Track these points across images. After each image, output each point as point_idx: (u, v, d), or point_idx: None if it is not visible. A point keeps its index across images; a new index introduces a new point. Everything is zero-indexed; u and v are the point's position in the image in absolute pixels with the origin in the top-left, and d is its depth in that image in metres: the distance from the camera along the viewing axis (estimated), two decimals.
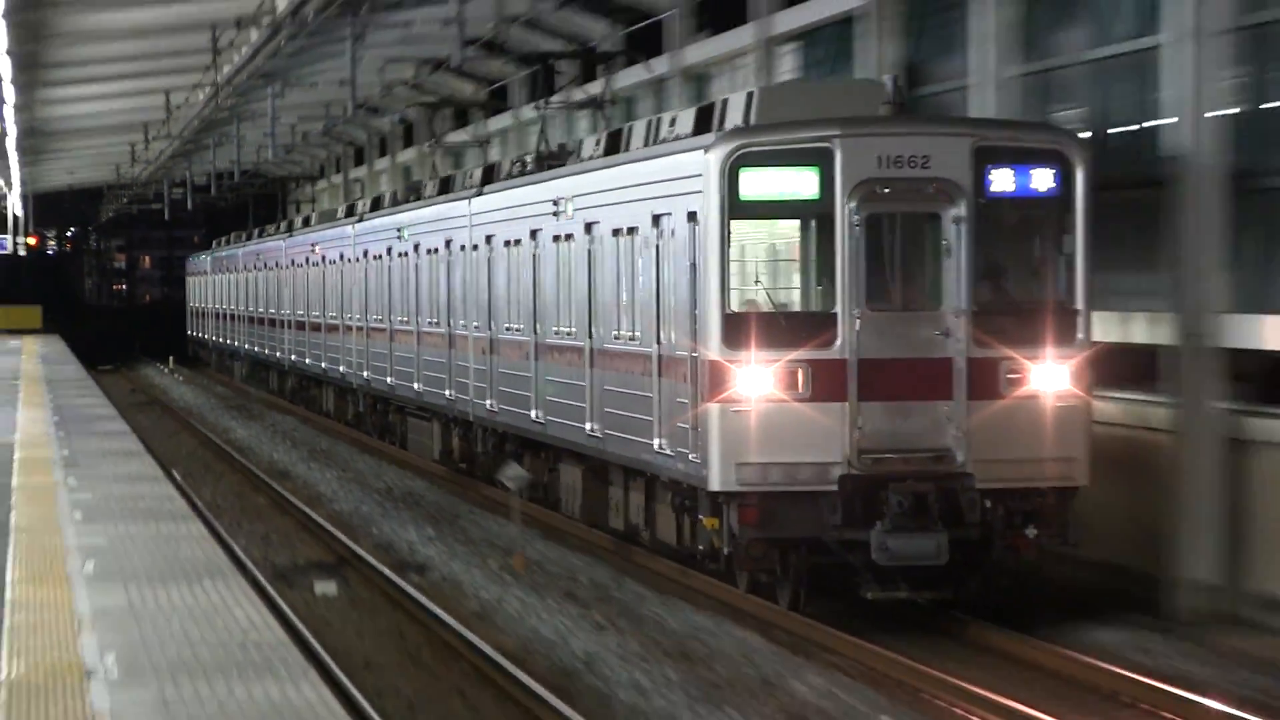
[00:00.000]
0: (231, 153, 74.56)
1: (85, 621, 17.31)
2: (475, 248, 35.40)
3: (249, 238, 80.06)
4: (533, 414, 30.50)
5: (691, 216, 23.11)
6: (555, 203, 29.46)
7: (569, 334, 29.55)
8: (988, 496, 21.49)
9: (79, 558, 21.73)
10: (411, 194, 47.06)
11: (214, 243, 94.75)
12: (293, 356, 63.57)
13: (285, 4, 43.45)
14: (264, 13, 45.84)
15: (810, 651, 20.65)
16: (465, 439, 38.44)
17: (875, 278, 21.84)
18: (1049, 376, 21.68)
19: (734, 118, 24.04)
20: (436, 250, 39.46)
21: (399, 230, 44.06)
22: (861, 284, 21.58)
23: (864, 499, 21.50)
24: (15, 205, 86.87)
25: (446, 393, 38.37)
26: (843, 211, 21.71)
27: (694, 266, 23.02)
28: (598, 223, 28.06)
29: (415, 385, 41.60)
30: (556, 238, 29.44)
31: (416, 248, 41.67)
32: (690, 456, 22.90)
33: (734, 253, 22.41)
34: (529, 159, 35.17)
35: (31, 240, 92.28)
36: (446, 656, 21.21)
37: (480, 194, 36.17)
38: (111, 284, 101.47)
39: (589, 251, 28.06)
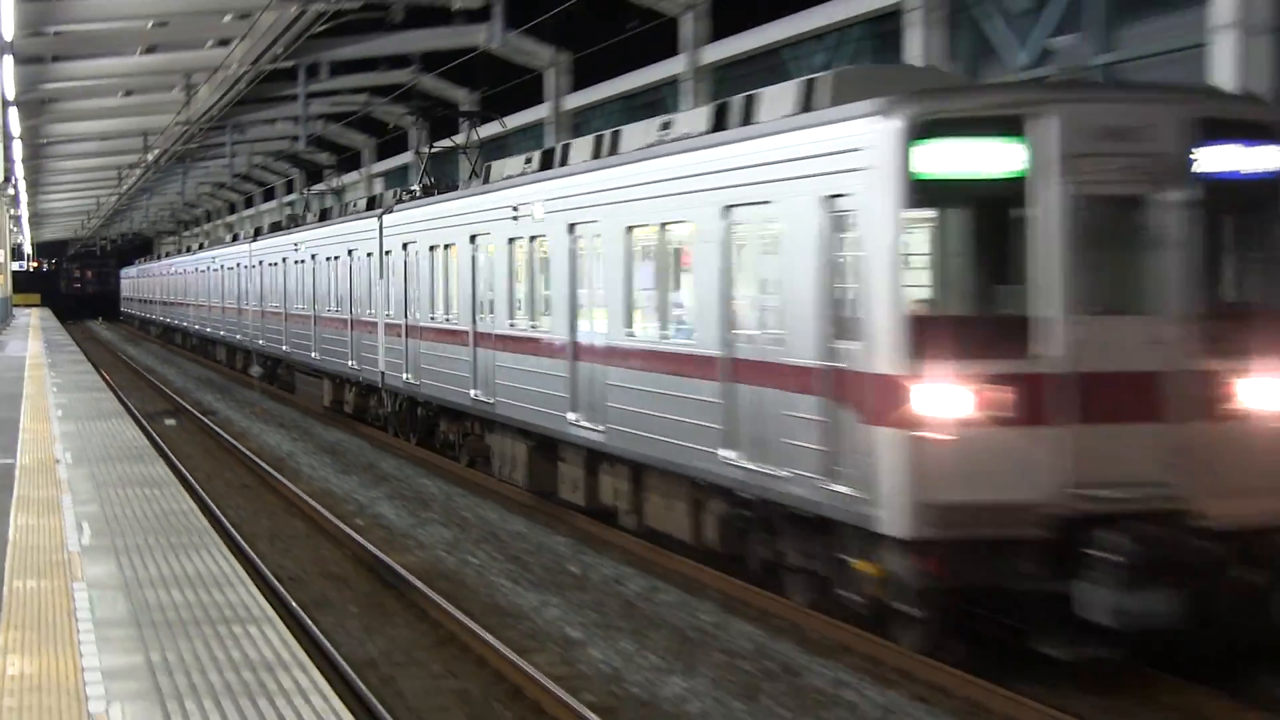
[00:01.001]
0: (137, 218, 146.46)
1: (56, 437, 31.37)
2: (389, 253, 39.32)
3: (158, 257, 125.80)
4: (472, 393, 33.31)
5: (832, 200, 18.49)
6: (515, 208, 30.46)
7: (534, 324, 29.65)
8: (1221, 538, 17.23)
9: (55, 408, 38.16)
10: (290, 223, 62.86)
11: (134, 260, 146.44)
12: (196, 325, 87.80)
13: (199, 111, 67.55)
14: (177, 124, 70.32)
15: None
16: (364, 395, 45.89)
17: (1088, 273, 17.38)
18: None
19: (822, 100, 20.30)
20: (337, 257, 48.33)
21: (295, 244, 55.45)
22: (1078, 280, 17.25)
23: (1072, 544, 17.08)
24: (28, 249, 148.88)
25: (349, 362, 45.99)
26: (1054, 192, 17.40)
27: (836, 262, 18.50)
28: (591, 222, 26.41)
29: (313, 354, 51.72)
30: (512, 239, 30.98)
31: (313, 256, 52.20)
32: (832, 486, 18.22)
33: (912, 243, 17.82)
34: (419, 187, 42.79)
35: (34, 264, 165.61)
36: (224, 452, 42.01)
37: (395, 210, 38.96)
38: (72, 283, 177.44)
39: (571, 250, 27.37)
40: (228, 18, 49.75)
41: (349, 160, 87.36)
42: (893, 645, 18.06)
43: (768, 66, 43.14)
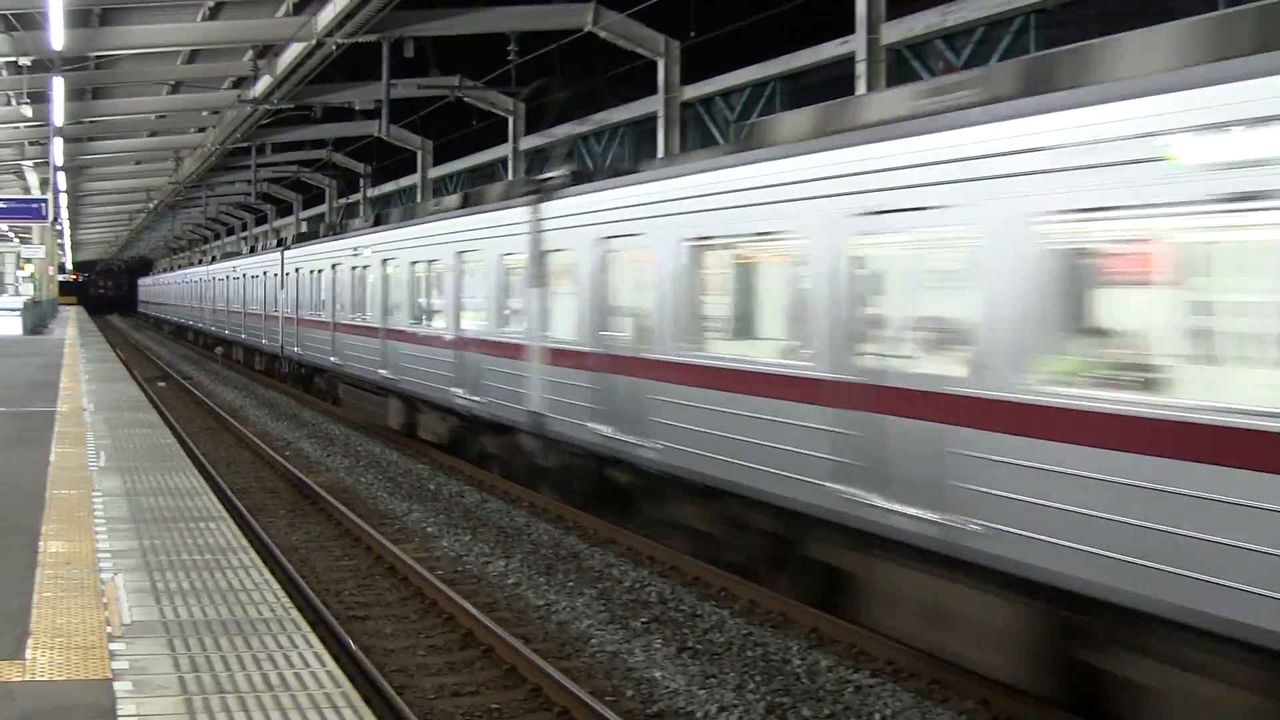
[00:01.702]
0: (141, 246, 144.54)
1: (84, 393, 28.48)
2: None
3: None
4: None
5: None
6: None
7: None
8: None
9: (84, 374, 34.31)
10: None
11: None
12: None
13: (184, 175, 65.61)
14: (169, 184, 70.14)
15: None
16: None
17: None
18: None
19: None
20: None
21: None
22: None
23: None
24: (69, 265, 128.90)
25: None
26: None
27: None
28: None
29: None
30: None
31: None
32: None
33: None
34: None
35: (73, 276, 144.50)
36: (195, 405, 39.82)
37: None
38: (98, 290, 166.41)
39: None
40: (205, 113, 50.00)
41: (284, 210, 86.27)
42: (649, 540, 17.84)
43: (567, 153, 43.14)
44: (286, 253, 43.72)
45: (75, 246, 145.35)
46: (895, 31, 26.37)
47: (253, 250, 63.43)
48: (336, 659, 9.83)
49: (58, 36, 29.03)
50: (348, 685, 8.75)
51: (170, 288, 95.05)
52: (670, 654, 13.19)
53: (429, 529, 19.92)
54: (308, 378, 41.24)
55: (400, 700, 11.48)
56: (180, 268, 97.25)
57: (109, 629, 9.88)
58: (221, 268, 62.76)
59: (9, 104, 42.31)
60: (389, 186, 62.00)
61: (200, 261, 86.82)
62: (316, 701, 8.35)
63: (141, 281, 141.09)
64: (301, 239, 45.63)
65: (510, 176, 45.73)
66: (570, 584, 16.25)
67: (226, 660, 9.17)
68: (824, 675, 12.51)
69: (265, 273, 47.77)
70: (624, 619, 14.56)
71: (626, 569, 16.91)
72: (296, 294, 41.09)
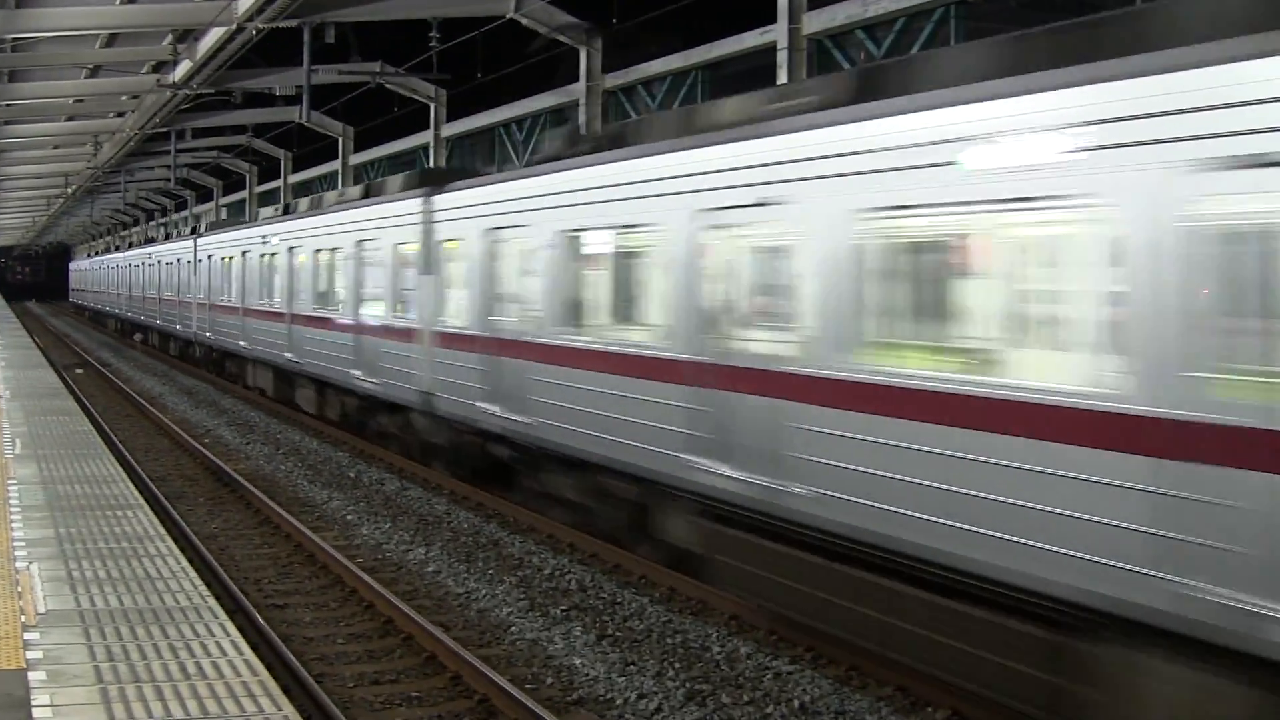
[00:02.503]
0: (60, 231, 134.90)
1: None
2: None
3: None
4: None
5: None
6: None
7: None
8: None
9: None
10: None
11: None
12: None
13: (102, 161, 64.85)
14: (88, 169, 68.65)
15: None
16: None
17: None
18: None
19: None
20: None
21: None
22: None
23: None
24: None
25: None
26: None
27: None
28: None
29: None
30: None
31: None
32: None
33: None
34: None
35: None
36: (114, 392, 39.43)
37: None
38: (15, 275, 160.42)
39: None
40: (124, 97, 49.34)
41: (205, 195, 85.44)
42: (566, 527, 17.83)
43: (488, 140, 43.01)
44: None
45: None
46: (817, 21, 26.45)
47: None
48: (255, 648, 9.80)
49: None
50: (265, 674, 8.71)
51: (86, 274, 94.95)
52: (590, 641, 13.21)
53: (349, 516, 19.83)
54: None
55: (319, 688, 11.43)
56: (100, 253, 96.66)
57: (23, 618, 9.78)
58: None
59: None
60: (310, 173, 61.54)
61: (119, 248, 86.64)
62: (234, 690, 8.31)
63: (75, 266, 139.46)
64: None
65: (431, 163, 45.57)
66: (490, 572, 16.23)
67: (143, 649, 9.11)
68: (743, 662, 12.56)
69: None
70: (544, 606, 14.56)
71: (547, 556, 16.91)
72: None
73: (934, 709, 11.28)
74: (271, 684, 8.50)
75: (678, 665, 12.47)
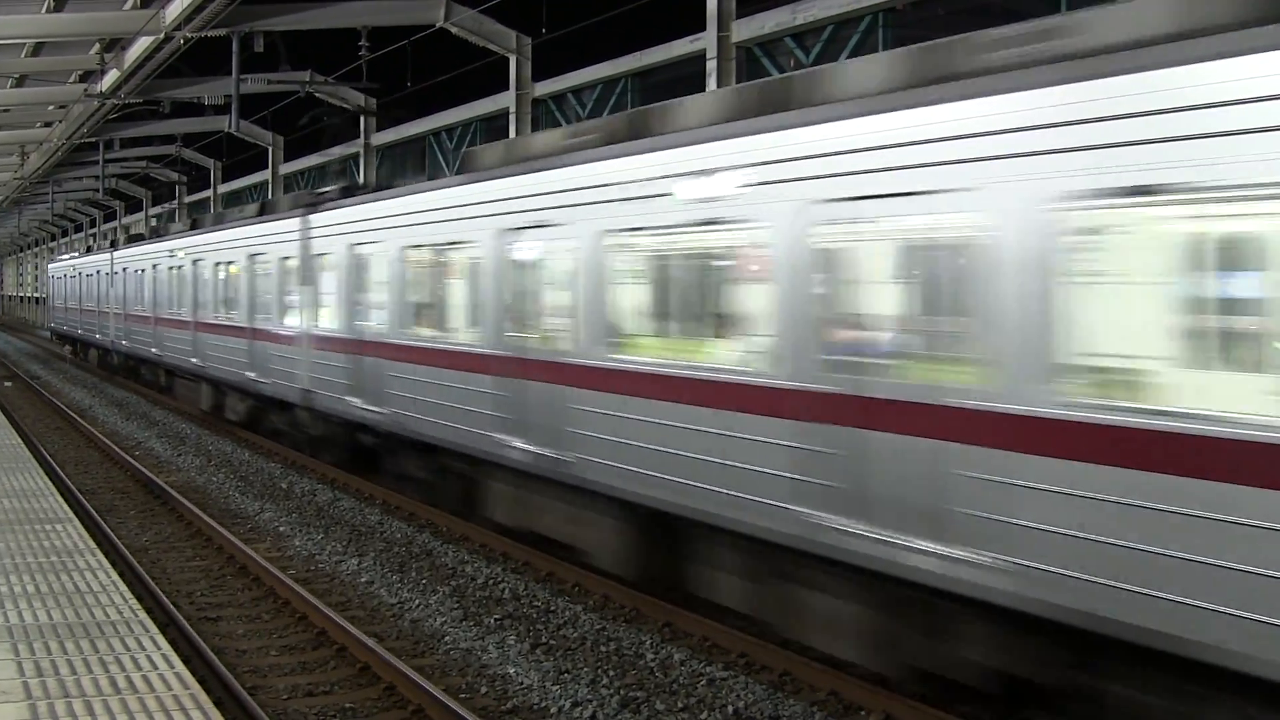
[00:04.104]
0: None
1: None
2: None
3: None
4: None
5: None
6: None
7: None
8: None
9: None
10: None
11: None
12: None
13: (30, 171, 63.49)
14: (14, 179, 64.87)
15: None
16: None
17: None
18: None
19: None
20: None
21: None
22: None
23: None
24: None
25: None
26: None
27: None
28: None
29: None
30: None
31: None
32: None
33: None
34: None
35: None
36: (44, 405, 38.48)
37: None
38: None
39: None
40: (51, 107, 48.93)
41: (134, 206, 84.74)
42: (498, 536, 17.83)
43: (419, 149, 42.92)
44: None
45: None
46: (746, 29, 26.56)
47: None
48: (187, 661, 9.74)
49: None
50: (196, 687, 8.66)
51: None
52: (524, 650, 13.20)
53: (281, 528, 19.73)
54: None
55: (252, 701, 11.37)
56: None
57: None
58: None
59: None
60: (240, 182, 61.24)
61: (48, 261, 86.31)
62: (165, 704, 8.26)
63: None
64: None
65: (362, 172, 45.42)
66: (423, 581, 16.19)
67: (73, 664, 9.04)
68: (677, 669, 12.59)
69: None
70: (477, 616, 14.54)
71: (480, 565, 16.88)
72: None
73: (867, 713, 11.34)
74: (203, 697, 8.45)
75: (612, 673, 12.48)
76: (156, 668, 9.02)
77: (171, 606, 14.53)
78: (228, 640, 13.77)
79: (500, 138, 35.74)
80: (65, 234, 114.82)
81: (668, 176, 12.56)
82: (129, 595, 11.20)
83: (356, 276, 21.21)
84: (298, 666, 12.96)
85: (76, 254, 62.83)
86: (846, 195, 10.37)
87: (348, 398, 21.29)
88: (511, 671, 12.53)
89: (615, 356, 13.54)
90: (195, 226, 35.79)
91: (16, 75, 41.94)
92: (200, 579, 16.66)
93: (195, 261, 32.62)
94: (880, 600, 10.62)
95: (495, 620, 14.35)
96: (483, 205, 16.49)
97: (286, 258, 24.87)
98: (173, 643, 9.97)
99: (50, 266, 71.82)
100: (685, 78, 28.00)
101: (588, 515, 14.85)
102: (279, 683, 12.36)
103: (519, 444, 15.45)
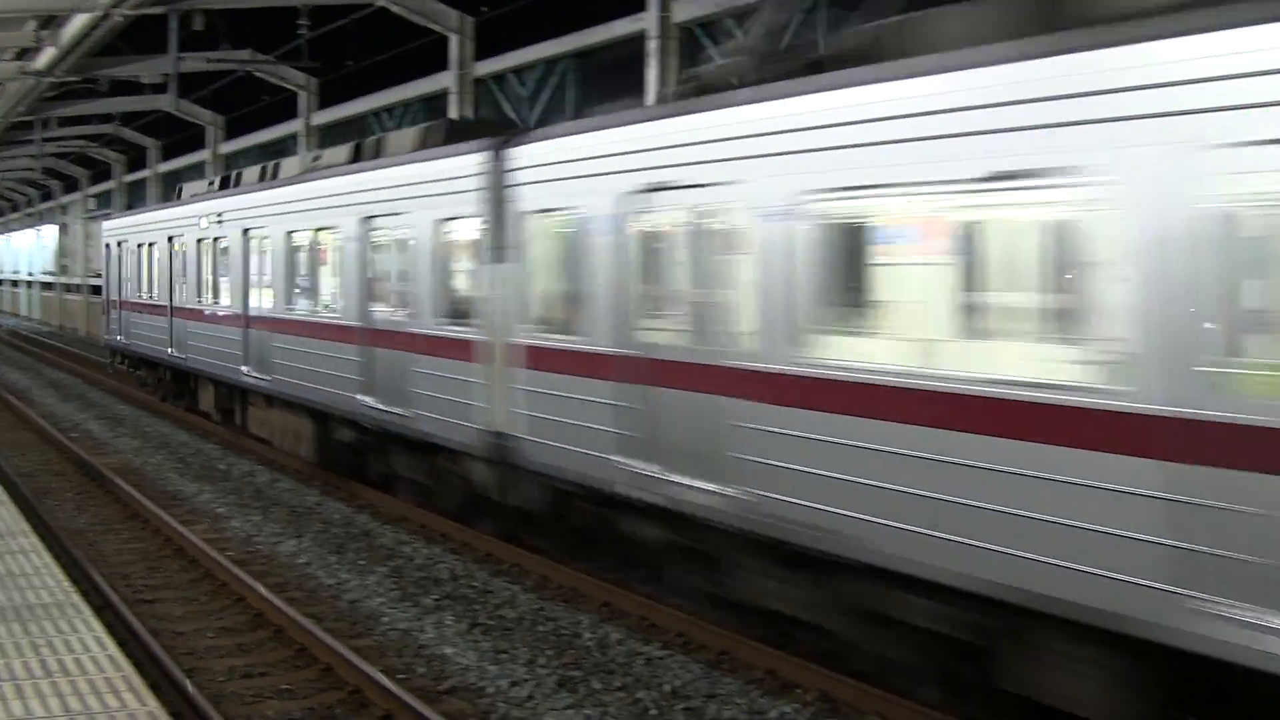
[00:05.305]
0: None
1: None
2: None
3: None
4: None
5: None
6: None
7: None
8: None
9: None
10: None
11: None
12: None
13: None
14: None
15: None
16: None
17: None
18: None
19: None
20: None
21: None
22: None
23: None
24: None
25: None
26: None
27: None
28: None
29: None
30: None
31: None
32: (239, 367, 20.44)
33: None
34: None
35: None
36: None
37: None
38: None
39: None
40: None
41: (71, 185, 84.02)
42: (437, 516, 17.83)
43: (359, 128, 42.74)
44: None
45: None
46: (687, 9, 26.46)
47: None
48: (124, 644, 9.71)
49: None
50: (130, 669, 8.64)
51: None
52: (462, 630, 13.21)
53: (219, 509, 19.65)
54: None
55: (189, 683, 11.33)
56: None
57: None
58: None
59: None
60: (179, 162, 60.67)
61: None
62: (96, 686, 8.24)
63: None
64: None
65: (302, 152, 45.14)
66: (361, 563, 16.17)
67: (3, 647, 9.00)
68: (615, 648, 12.63)
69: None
70: (415, 596, 14.54)
71: (418, 546, 16.88)
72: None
73: (804, 690, 11.41)
74: (136, 679, 8.43)
75: (549, 653, 12.51)
76: (89, 650, 8.99)
77: (108, 589, 14.46)
78: (165, 622, 13.72)
79: (439, 117, 35.61)
80: (1, 214, 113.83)
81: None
82: (62, 577, 11.15)
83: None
84: (235, 648, 12.92)
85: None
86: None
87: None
88: (449, 651, 12.54)
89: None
90: (130, 209, 36.22)
91: None
92: (138, 561, 16.58)
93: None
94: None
95: (433, 600, 14.35)
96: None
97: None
98: (109, 626, 9.94)
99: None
100: (626, 58, 27.90)
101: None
102: (216, 665, 12.33)
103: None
